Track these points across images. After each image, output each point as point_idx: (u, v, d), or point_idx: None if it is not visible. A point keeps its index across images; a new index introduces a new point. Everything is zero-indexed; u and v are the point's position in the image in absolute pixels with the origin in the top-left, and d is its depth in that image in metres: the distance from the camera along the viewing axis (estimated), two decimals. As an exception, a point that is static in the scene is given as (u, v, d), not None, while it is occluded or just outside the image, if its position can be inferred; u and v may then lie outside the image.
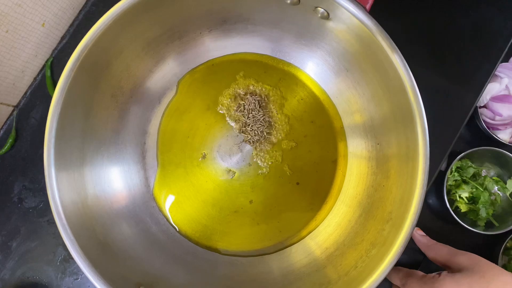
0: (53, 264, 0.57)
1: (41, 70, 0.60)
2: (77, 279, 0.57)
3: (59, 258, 0.57)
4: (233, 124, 0.54)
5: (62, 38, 0.61)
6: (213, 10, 0.48)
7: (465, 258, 0.40)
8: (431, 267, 0.65)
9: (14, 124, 0.59)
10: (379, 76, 0.44)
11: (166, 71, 0.53)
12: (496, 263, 0.64)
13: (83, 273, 0.54)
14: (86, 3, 0.61)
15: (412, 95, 0.40)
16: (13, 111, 0.59)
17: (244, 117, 0.54)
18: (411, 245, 0.50)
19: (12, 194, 0.58)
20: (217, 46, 0.54)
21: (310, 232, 0.52)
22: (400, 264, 0.49)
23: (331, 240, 0.50)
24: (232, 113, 0.54)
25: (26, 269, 0.57)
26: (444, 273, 0.40)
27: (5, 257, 0.57)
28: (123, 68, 0.48)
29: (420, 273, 0.43)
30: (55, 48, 0.60)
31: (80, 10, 0.61)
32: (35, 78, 0.60)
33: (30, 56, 0.57)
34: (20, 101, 0.60)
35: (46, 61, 0.60)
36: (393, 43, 0.40)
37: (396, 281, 0.45)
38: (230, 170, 0.54)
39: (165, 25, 0.48)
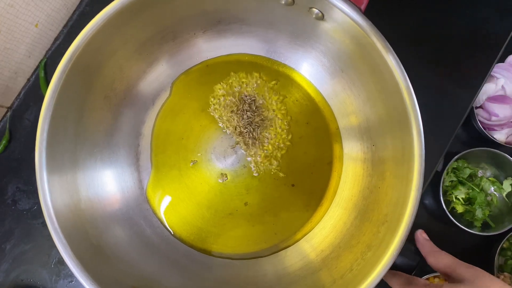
0: (48, 267, 0.57)
1: (34, 71, 0.60)
2: (72, 281, 0.57)
3: (54, 261, 0.57)
4: (226, 130, 0.54)
5: (56, 38, 0.60)
6: (207, 11, 0.48)
7: (468, 270, 0.40)
8: (427, 268, 0.65)
9: (7, 125, 0.58)
10: (375, 77, 0.44)
11: (160, 72, 0.53)
12: (492, 264, 0.64)
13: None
14: (80, 3, 0.61)
15: (407, 96, 0.40)
16: (6, 112, 0.59)
17: (238, 119, 0.53)
18: (407, 247, 0.50)
19: (6, 196, 0.58)
20: (212, 47, 0.54)
21: (305, 235, 0.52)
22: (397, 265, 0.49)
23: (326, 243, 0.50)
24: (225, 116, 0.54)
25: (20, 272, 0.57)
26: (446, 284, 0.40)
27: (-1, 260, 0.57)
28: (116, 69, 0.48)
29: (422, 281, 0.43)
30: (49, 49, 0.60)
31: (74, 11, 0.61)
32: (28, 79, 0.60)
33: (24, 57, 0.57)
34: (13, 102, 0.59)
35: (40, 62, 0.59)
36: (388, 44, 0.40)
37: (396, 287, 0.44)
38: (223, 173, 0.53)
39: (159, 26, 0.47)
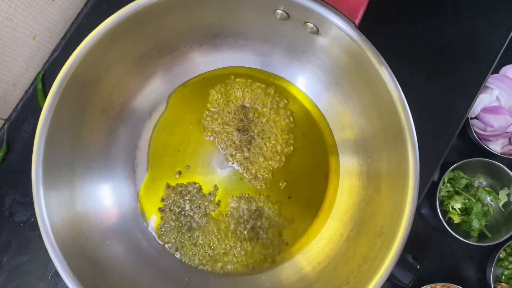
0: (45, 279, 0.57)
1: (32, 83, 0.60)
2: (69, 293, 0.56)
3: (51, 273, 0.57)
4: (218, 145, 0.54)
5: (54, 51, 0.61)
6: (203, 25, 0.48)
7: None
8: (425, 278, 0.65)
9: (5, 137, 0.58)
10: (369, 91, 0.45)
11: (157, 86, 0.54)
12: (490, 274, 0.64)
13: (74, 288, 0.54)
14: (77, 16, 0.61)
15: (401, 109, 0.40)
16: (4, 124, 0.59)
17: (233, 131, 0.54)
18: (405, 257, 0.50)
19: (3, 208, 0.58)
20: (208, 61, 0.54)
21: (301, 247, 0.52)
22: (394, 276, 0.49)
23: (322, 255, 0.50)
24: (217, 128, 0.54)
25: (17, 284, 0.56)
26: None
27: (-5, 272, 0.57)
28: (113, 83, 0.48)
29: None
30: (47, 61, 0.60)
31: (72, 23, 0.61)
32: (26, 91, 0.60)
33: (21, 69, 0.57)
34: (11, 114, 0.60)
35: (38, 74, 0.60)
36: (382, 58, 0.40)
37: None
38: (216, 184, 0.54)
39: (155, 40, 0.48)
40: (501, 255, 0.65)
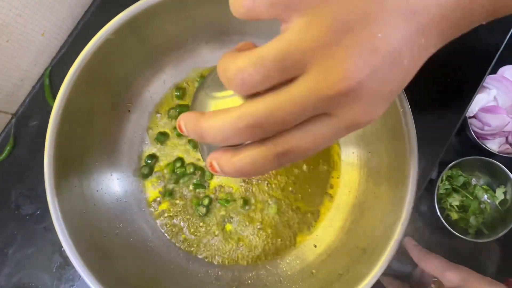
0: (49, 271, 0.57)
1: (40, 78, 0.61)
2: (73, 286, 0.57)
3: (55, 265, 0.57)
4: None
5: (61, 47, 0.61)
6: (210, 23, 0.49)
7: (455, 274, 0.41)
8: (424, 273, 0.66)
9: (12, 131, 0.59)
10: (370, 87, 0.46)
11: (164, 80, 0.54)
12: (484, 269, 0.65)
13: (78, 280, 0.55)
14: (85, 14, 0.62)
15: (401, 108, 0.41)
16: (11, 118, 0.60)
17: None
18: (402, 251, 0.51)
19: (9, 201, 0.59)
20: (214, 57, 0.55)
21: (303, 239, 0.53)
22: (394, 270, 0.50)
23: (323, 246, 0.51)
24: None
25: (22, 276, 0.57)
26: None
27: (1, 264, 0.57)
28: (122, 77, 0.49)
29: None
30: (54, 57, 0.61)
31: (79, 20, 0.62)
32: (33, 87, 0.61)
33: (30, 65, 0.58)
34: (18, 109, 0.60)
35: (45, 70, 0.60)
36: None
37: None
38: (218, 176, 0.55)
39: (163, 36, 0.49)
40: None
